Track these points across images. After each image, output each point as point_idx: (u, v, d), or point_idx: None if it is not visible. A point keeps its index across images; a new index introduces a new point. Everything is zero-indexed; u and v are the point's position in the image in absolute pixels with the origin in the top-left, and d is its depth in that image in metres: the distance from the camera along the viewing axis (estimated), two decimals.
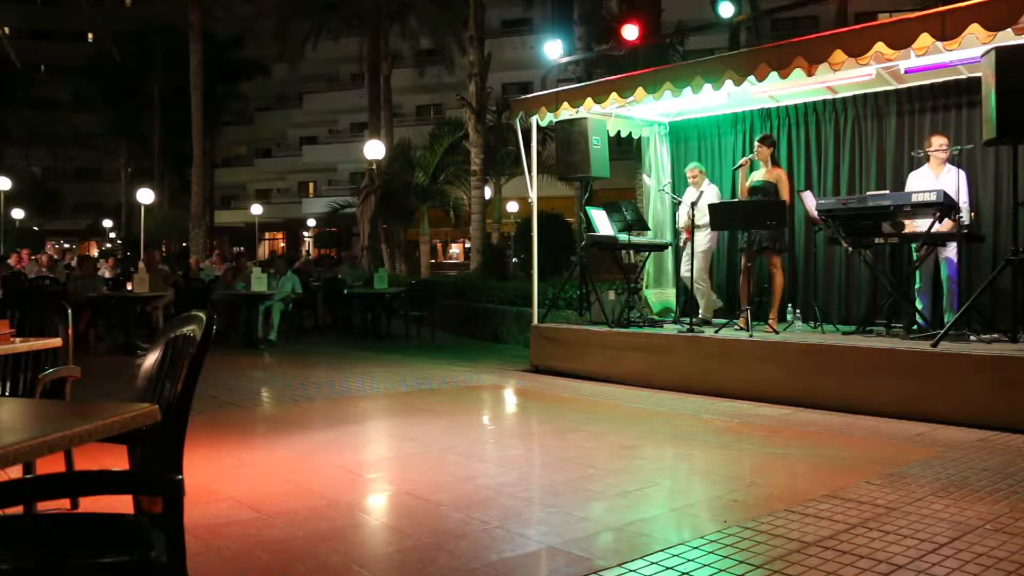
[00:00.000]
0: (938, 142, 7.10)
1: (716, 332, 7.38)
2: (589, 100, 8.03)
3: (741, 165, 7.92)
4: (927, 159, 7.24)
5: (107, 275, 14.62)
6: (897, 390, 5.92)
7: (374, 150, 17.82)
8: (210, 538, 3.35)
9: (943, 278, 7.14)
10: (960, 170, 7.06)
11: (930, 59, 6.88)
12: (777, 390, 6.57)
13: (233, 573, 3.04)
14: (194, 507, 3.61)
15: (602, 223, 8.70)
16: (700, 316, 8.33)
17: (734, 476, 4.42)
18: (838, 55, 6.33)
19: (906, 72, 7.62)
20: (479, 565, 3.07)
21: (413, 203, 23.83)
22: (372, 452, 5.24)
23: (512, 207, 31.08)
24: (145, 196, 22.32)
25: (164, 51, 35.78)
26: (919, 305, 7.30)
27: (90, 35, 47.42)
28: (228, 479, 4.36)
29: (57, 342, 3.73)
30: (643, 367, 7.57)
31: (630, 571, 2.99)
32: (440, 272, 29.27)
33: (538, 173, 9.23)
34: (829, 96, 8.44)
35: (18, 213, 36.92)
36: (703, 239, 8.41)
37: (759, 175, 7.83)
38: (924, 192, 6.58)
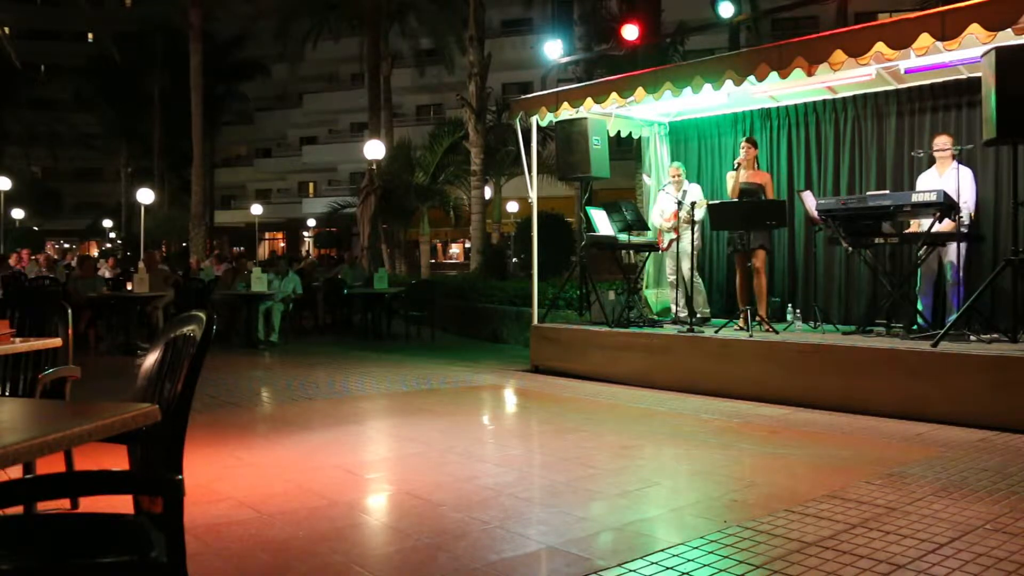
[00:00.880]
0: (942, 141, 7.09)
1: (716, 332, 7.39)
2: (589, 100, 8.04)
3: (740, 165, 7.93)
4: (929, 159, 7.23)
5: (107, 275, 14.60)
6: (897, 390, 5.92)
7: (374, 150, 17.81)
8: (210, 538, 3.35)
9: (946, 278, 7.14)
10: (967, 168, 7.03)
11: (930, 59, 6.88)
12: (777, 390, 6.58)
13: (233, 573, 3.04)
14: (194, 507, 3.61)
15: (602, 223, 8.70)
16: (699, 315, 8.34)
17: (734, 476, 4.42)
18: (838, 55, 6.33)
19: (906, 72, 7.62)
20: (479, 565, 3.07)
21: (413, 203, 23.82)
22: (372, 452, 5.24)
23: (512, 207, 31.08)
24: (145, 196, 22.30)
25: (164, 51, 35.85)
26: (919, 305, 7.30)
27: (90, 35, 47.40)
28: (228, 479, 4.36)
29: (57, 342, 3.74)
30: (643, 367, 7.57)
31: (630, 571, 2.99)
32: (440, 272, 29.24)
33: (538, 173, 9.23)
34: (829, 96, 8.45)
35: (18, 213, 36.91)
36: (696, 236, 8.45)
37: (744, 176, 7.87)
38: (924, 192, 6.58)
